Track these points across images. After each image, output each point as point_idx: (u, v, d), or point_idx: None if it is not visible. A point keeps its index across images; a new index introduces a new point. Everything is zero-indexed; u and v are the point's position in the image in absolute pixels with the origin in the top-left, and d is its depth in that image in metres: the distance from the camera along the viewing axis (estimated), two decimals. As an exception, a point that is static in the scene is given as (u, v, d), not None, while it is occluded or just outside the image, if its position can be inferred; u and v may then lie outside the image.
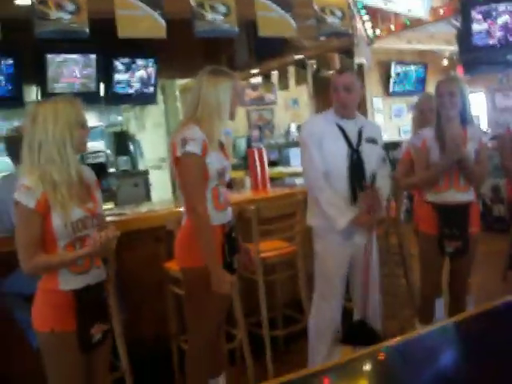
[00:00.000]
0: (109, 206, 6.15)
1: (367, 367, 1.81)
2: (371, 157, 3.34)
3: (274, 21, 4.15)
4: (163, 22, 3.72)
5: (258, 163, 4.85)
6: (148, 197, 8.00)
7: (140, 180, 8.03)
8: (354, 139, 3.31)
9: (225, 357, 3.42)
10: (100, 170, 7.29)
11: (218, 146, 2.90)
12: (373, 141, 3.38)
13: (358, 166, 3.29)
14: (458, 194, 3.49)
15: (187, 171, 2.80)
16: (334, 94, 3.31)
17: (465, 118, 3.45)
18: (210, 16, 3.86)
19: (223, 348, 3.34)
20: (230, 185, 3.67)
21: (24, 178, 2.31)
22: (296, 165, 7.00)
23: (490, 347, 1.80)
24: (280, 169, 7.59)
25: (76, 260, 2.35)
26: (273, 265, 3.83)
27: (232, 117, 2.92)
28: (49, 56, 6.56)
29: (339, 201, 3.24)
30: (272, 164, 7.87)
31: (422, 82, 11.60)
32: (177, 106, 9.57)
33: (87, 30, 3.53)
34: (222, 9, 3.89)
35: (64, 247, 2.35)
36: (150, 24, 3.69)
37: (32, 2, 3.38)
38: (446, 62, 11.52)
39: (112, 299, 3.26)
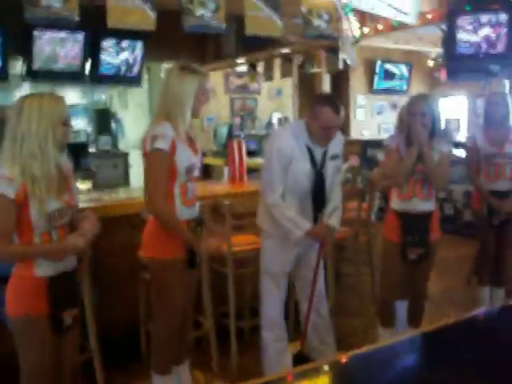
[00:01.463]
0: (87, 186, 6.21)
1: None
2: (332, 173, 3.48)
3: (262, 20, 4.22)
4: (152, 15, 3.78)
5: (236, 156, 4.94)
6: (127, 178, 8.05)
7: (120, 161, 8.08)
8: (319, 159, 3.39)
9: (190, 345, 3.53)
10: (80, 149, 7.33)
11: (187, 141, 2.95)
12: (335, 157, 3.47)
13: (320, 185, 3.41)
14: (421, 203, 3.65)
15: (153, 168, 2.89)
16: (324, 131, 3.29)
17: (433, 133, 3.59)
18: (198, 12, 3.91)
19: (188, 336, 3.45)
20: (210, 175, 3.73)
21: (4, 169, 2.37)
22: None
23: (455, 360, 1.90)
24: (259, 160, 7.67)
25: (49, 252, 2.45)
26: (243, 258, 3.94)
27: (196, 115, 2.95)
28: (36, 32, 6.52)
29: (292, 214, 3.33)
30: (251, 154, 7.95)
31: (406, 81, 11.70)
32: (160, 83, 9.58)
33: (76, 18, 3.57)
34: (211, 5, 3.94)
35: (40, 235, 2.44)
36: (140, 16, 3.74)
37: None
38: (431, 63, 11.63)
39: (85, 283, 3.36)
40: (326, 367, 1.92)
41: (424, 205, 3.66)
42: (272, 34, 4.49)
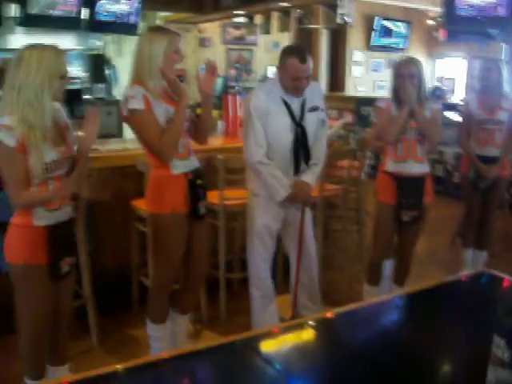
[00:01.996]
0: (81, 133, 6.21)
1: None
2: (313, 126, 3.50)
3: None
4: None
5: (231, 110, 4.97)
6: (120, 126, 8.03)
7: (113, 109, 8.03)
8: (297, 112, 3.41)
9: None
10: (75, 96, 7.31)
11: (164, 96, 2.98)
12: (315, 108, 3.49)
13: (302, 138, 3.44)
14: (416, 165, 3.72)
15: (139, 128, 2.96)
16: (294, 81, 3.32)
17: (420, 97, 3.66)
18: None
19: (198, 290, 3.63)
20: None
21: (4, 118, 2.42)
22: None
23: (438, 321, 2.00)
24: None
25: (63, 191, 2.54)
26: (235, 212, 4.02)
27: (170, 73, 2.96)
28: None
29: (279, 173, 3.40)
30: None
31: (404, 39, 11.62)
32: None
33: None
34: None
35: (37, 185, 2.50)
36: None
37: None
38: (430, 22, 11.54)
39: (80, 231, 3.45)
40: (311, 322, 2.02)
41: (419, 167, 3.73)
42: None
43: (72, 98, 7.30)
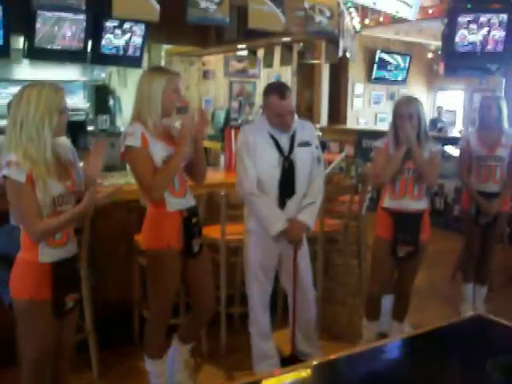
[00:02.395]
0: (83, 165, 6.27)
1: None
2: (305, 161, 3.50)
3: (265, 14, 4.28)
4: (157, 7, 3.84)
5: (233, 143, 5.02)
6: (123, 158, 8.09)
7: (117, 140, 8.07)
8: (285, 146, 3.45)
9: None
10: (79, 128, 7.39)
11: (164, 135, 3.10)
12: (306, 144, 3.52)
13: (289, 172, 3.45)
14: (412, 202, 3.77)
15: (133, 164, 3.08)
16: (278, 117, 3.39)
17: (420, 137, 3.71)
18: (203, 4, 3.98)
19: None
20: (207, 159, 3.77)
21: (11, 155, 2.50)
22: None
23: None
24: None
25: (74, 218, 2.60)
26: (236, 247, 4.05)
27: (168, 112, 3.09)
28: (39, 11, 6.51)
29: (274, 205, 3.44)
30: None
31: (405, 72, 11.77)
32: (160, 64, 9.66)
33: (84, 7, 3.63)
34: (217, -3, 4.00)
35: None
36: (144, 7, 3.80)
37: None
38: (430, 55, 11.69)
39: (83, 265, 3.49)
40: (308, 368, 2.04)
41: (415, 204, 3.78)
42: (274, 28, 4.57)
43: (76, 130, 7.41)
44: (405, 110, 3.69)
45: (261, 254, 3.58)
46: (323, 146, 6.58)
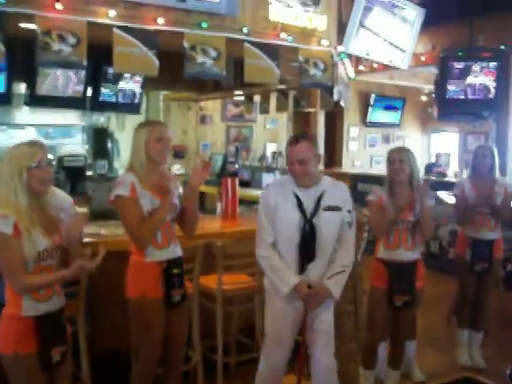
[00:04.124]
0: (83, 209, 6.31)
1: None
2: (329, 225, 3.21)
3: (260, 68, 4.40)
4: (157, 62, 3.96)
5: (230, 193, 5.09)
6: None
7: (114, 186, 8.17)
8: (309, 208, 3.18)
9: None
10: (78, 174, 7.48)
11: (154, 186, 3.21)
12: (334, 208, 3.21)
13: (310, 236, 3.17)
14: (406, 253, 3.85)
15: (122, 213, 3.21)
16: (289, 165, 3.22)
17: (412, 183, 3.84)
18: (200, 59, 4.10)
19: (177, 371, 3.56)
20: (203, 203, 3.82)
21: None
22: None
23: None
24: (252, 191, 7.81)
25: (60, 281, 2.68)
26: (232, 297, 4.09)
27: (157, 161, 3.22)
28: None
29: (283, 266, 3.19)
30: (244, 185, 8.09)
31: (399, 115, 11.93)
32: (158, 110, 9.86)
33: (85, 63, 3.74)
34: (213, 53, 4.13)
35: (30, 273, 2.61)
36: (144, 63, 3.92)
37: (36, 32, 3.57)
38: (424, 98, 11.86)
39: (80, 314, 3.52)
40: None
41: (409, 254, 3.86)
42: (269, 81, 4.70)
43: (74, 176, 7.51)
44: (395, 156, 3.82)
45: (276, 321, 3.32)
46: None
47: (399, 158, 3.80)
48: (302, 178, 3.19)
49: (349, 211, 3.27)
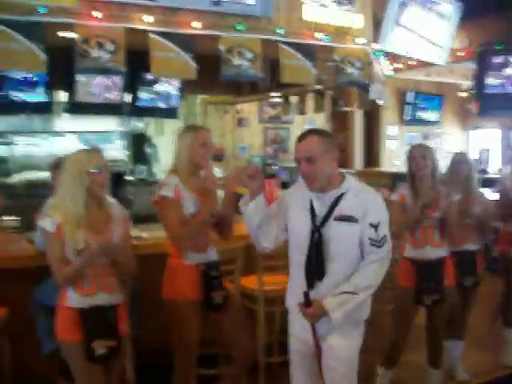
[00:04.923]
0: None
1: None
2: (341, 239, 2.67)
3: (296, 69, 4.41)
4: (194, 65, 3.99)
5: (268, 196, 5.06)
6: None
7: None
8: (321, 215, 2.69)
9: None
10: (118, 179, 7.58)
11: (197, 189, 3.28)
12: (347, 219, 2.66)
13: (318, 249, 2.68)
14: (434, 250, 3.82)
15: (163, 213, 3.26)
16: (297, 164, 2.72)
17: (435, 179, 3.81)
18: (236, 61, 4.13)
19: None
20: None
21: (48, 209, 2.95)
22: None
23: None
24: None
25: (84, 263, 2.81)
26: (273, 297, 4.09)
27: (200, 165, 3.29)
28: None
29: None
30: (283, 185, 8.08)
31: (438, 112, 11.75)
32: (195, 114, 9.93)
33: (123, 69, 3.81)
34: (249, 55, 4.16)
35: None
36: (182, 66, 3.96)
37: (75, 40, 3.65)
38: (462, 94, 11.67)
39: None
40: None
41: (436, 252, 3.84)
42: (306, 81, 4.71)
43: (115, 180, 7.59)
44: (416, 152, 3.80)
45: (296, 328, 2.92)
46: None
47: (421, 154, 3.79)
48: (312, 181, 2.67)
49: (374, 226, 2.65)
